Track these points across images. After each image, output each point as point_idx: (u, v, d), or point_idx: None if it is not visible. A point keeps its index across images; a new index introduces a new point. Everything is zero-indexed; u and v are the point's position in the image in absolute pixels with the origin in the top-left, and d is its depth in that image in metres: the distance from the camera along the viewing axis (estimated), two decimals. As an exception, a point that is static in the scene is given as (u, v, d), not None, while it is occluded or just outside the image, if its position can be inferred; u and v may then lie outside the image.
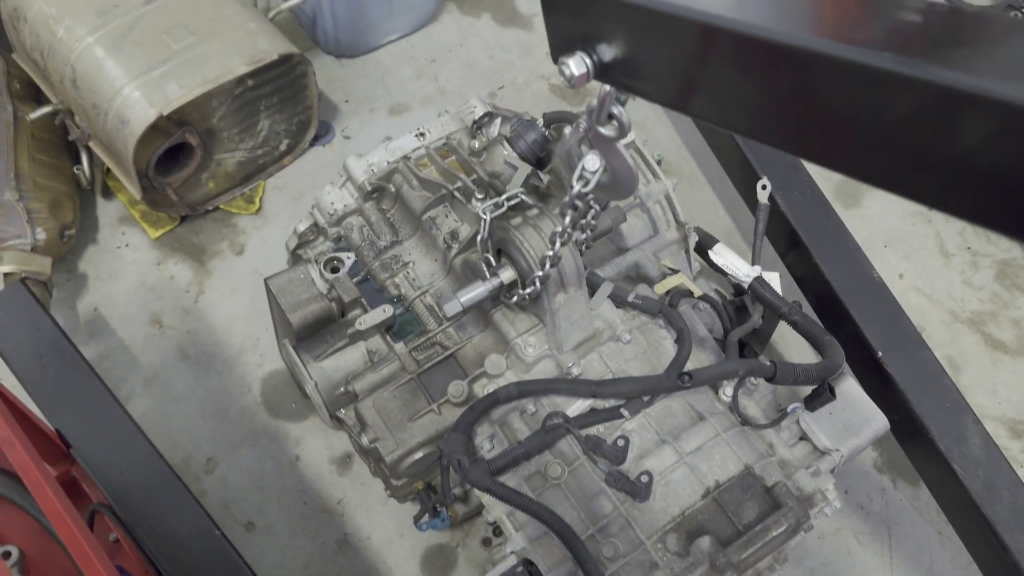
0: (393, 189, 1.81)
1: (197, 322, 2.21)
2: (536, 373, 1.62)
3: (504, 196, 1.59)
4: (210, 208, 2.35)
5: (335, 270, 1.77)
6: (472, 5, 2.86)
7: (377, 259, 1.77)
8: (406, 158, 1.79)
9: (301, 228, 1.87)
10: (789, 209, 2.04)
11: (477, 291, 1.54)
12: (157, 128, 2.01)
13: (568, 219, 1.34)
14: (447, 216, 1.76)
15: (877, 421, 1.66)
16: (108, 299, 2.23)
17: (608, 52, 0.90)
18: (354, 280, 1.76)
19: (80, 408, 1.71)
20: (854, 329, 1.91)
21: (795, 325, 1.77)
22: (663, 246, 1.87)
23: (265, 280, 1.80)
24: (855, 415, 1.66)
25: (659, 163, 1.94)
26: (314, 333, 1.74)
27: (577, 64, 0.92)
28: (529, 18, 2.84)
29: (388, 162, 1.79)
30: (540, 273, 1.46)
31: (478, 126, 1.89)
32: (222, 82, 2.04)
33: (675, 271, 1.80)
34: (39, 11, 2.09)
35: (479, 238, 1.59)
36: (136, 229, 2.33)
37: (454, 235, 1.73)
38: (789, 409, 1.64)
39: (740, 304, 1.87)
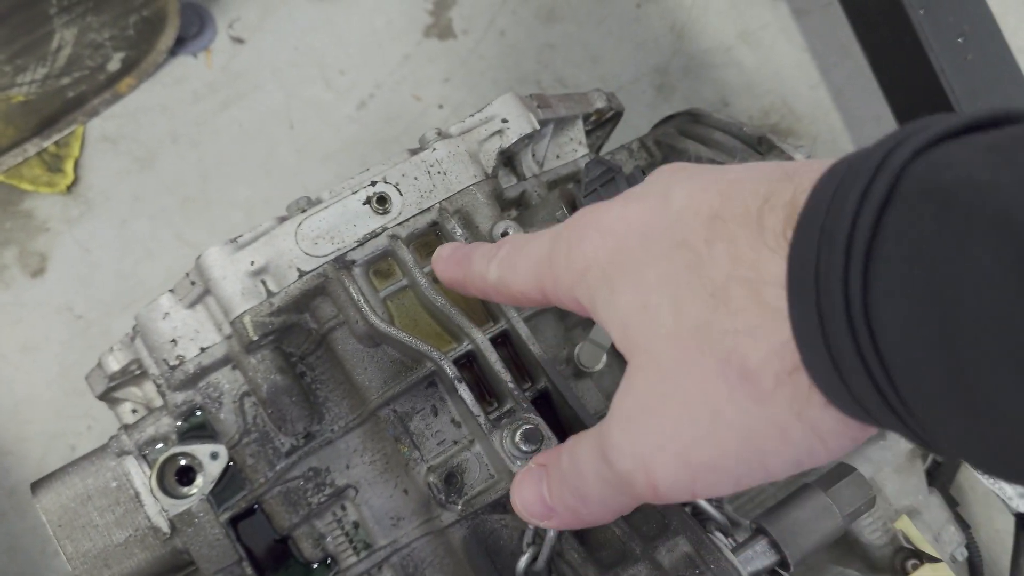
0: (315, 327, 0.79)
1: (-44, 414, 1.21)
2: None
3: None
4: (-25, 184, 1.26)
5: (187, 480, 0.83)
6: None
7: (279, 479, 0.80)
8: (344, 262, 0.76)
9: (113, 366, 0.86)
10: None
11: None
12: None
13: None
14: (437, 415, 0.77)
15: None
16: None
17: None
18: (224, 511, 0.81)
19: None
20: None
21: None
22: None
23: (32, 487, 0.87)
24: None
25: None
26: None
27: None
28: None
29: (300, 269, 0.76)
30: None
31: (509, 161, 0.86)
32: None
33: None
34: None
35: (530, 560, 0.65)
36: None
37: (452, 477, 0.75)
38: None
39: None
